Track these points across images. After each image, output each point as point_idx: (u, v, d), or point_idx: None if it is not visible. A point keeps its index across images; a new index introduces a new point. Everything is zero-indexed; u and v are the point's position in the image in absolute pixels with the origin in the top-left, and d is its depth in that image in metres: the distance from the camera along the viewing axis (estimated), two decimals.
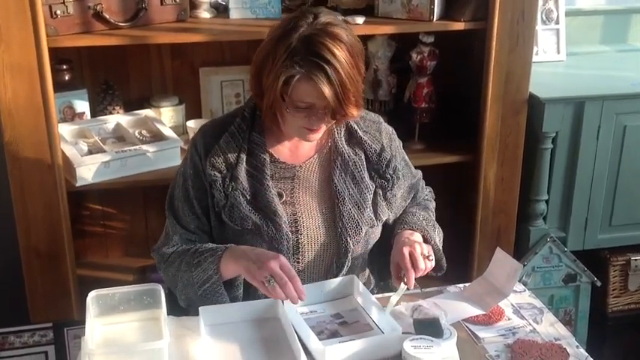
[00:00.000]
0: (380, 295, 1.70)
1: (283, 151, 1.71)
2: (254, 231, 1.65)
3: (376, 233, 1.77)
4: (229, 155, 1.66)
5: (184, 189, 1.70)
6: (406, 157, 1.86)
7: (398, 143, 1.82)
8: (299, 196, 1.70)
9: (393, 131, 1.83)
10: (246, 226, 1.65)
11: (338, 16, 1.64)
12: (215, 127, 1.72)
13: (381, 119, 1.82)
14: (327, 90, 1.51)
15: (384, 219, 1.77)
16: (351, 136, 1.74)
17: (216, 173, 1.65)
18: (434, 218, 1.86)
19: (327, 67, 1.51)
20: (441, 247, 1.79)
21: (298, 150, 1.72)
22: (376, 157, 1.74)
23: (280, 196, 1.68)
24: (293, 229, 1.67)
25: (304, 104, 1.56)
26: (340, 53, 1.52)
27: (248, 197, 1.66)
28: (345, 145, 1.73)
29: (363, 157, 1.74)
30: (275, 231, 1.64)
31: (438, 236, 1.79)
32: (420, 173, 1.91)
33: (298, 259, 1.69)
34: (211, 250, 1.61)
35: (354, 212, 1.69)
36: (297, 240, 1.68)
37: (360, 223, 1.70)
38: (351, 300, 1.65)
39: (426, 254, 1.64)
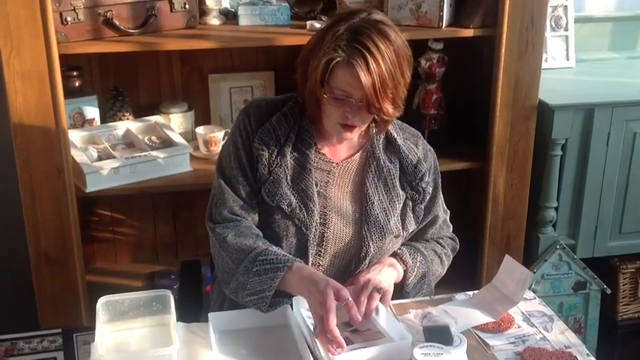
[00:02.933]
0: (396, 302, 1.70)
1: (325, 146, 1.73)
2: (286, 212, 1.66)
3: (400, 244, 1.78)
4: (280, 133, 1.68)
5: (237, 157, 1.70)
6: (439, 183, 1.83)
7: (435, 164, 1.82)
8: (332, 191, 1.72)
9: (431, 150, 1.83)
10: (282, 205, 1.66)
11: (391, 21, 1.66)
12: (268, 104, 1.74)
13: (421, 135, 1.84)
14: (364, 77, 1.53)
15: (410, 230, 1.78)
16: (390, 144, 1.76)
17: (264, 148, 1.67)
18: (437, 261, 1.83)
19: (368, 55, 1.53)
20: (410, 292, 1.76)
21: (338, 149, 1.75)
22: (411, 168, 1.75)
23: (315, 185, 1.70)
24: (322, 220, 1.69)
25: (342, 93, 1.57)
26: (384, 48, 1.55)
27: (288, 178, 1.68)
28: (382, 152, 1.74)
29: (398, 166, 1.75)
30: (306, 216, 1.66)
31: (417, 273, 1.77)
32: (445, 215, 1.88)
33: (320, 251, 1.70)
34: (272, 263, 1.56)
35: (381, 218, 1.71)
36: (323, 233, 1.70)
37: (385, 230, 1.71)
38: None
39: (378, 287, 1.61)
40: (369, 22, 1.58)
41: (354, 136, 1.70)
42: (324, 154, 1.72)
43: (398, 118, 1.71)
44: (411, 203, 1.76)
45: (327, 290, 1.47)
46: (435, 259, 1.83)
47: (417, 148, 1.79)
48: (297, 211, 1.66)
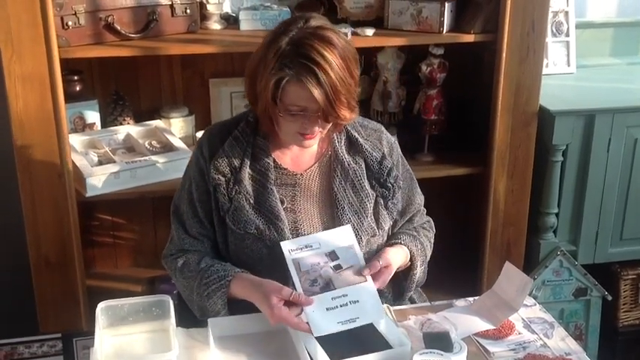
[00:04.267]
0: (396, 308, 1.70)
1: (285, 158, 1.72)
2: (256, 235, 1.65)
3: (379, 242, 1.76)
4: (233, 159, 1.67)
5: (189, 192, 1.72)
6: (411, 171, 1.84)
7: (399, 154, 1.81)
8: (300, 203, 1.70)
9: (395, 141, 1.82)
10: (249, 230, 1.65)
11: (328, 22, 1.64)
12: (221, 129, 1.73)
13: (383, 128, 1.82)
14: (316, 92, 1.51)
15: (386, 228, 1.76)
16: (352, 145, 1.74)
17: (220, 177, 1.66)
18: (429, 246, 1.84)
19: (316, 68, 1.51)
20: (415, 280, 1.77)
21: (299, 158, 1.73)
22: (377, 165, 1.73)
23: (282, 202, 1.68)
24: (294, 235, 1.67)
25: (296, 108, 1.56)
26: (330, 55, 1.52)
27: (251, 201, 1.66)
28: (346, 154, 1.73)
29: (363, 165, 1.73)
30: (277, 236, 1.64)
31: (421, 268, 1.78)
32: (423, 199, 1.89)
33: None
34: (217, 282, 1.60)
35: (353, 221, 1.69)
36: None
37: (360, 232, 1.69)
38: (347, 231, 1.64)
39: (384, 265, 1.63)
40: (309, 30, 1.55)
41: (315, 142, 1.68)
42: (285, 169, 1.70)
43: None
44: (382, 200, 1.73)
45: (269, 297, 1.49)
46: (428, 245, 1.83)
47: (380, 143, 1.76)
48: (267, 233, 1.65)
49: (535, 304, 1.75)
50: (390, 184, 1.73)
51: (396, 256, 1.69)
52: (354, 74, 1.59)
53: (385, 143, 1.77)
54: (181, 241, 1.71)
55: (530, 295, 1.73)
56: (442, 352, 1.42)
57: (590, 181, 2.51)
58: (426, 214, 1.90)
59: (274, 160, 1.70)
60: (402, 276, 1.76)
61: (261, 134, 1.70)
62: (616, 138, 2.48)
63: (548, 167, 2.49)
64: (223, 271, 1.61)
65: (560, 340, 1.62)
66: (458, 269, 2.53)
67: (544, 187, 2.51)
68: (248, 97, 1.66)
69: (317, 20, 1.59)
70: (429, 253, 1.83)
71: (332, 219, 1.70)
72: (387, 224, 1.75)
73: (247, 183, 1.67)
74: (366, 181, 1.73)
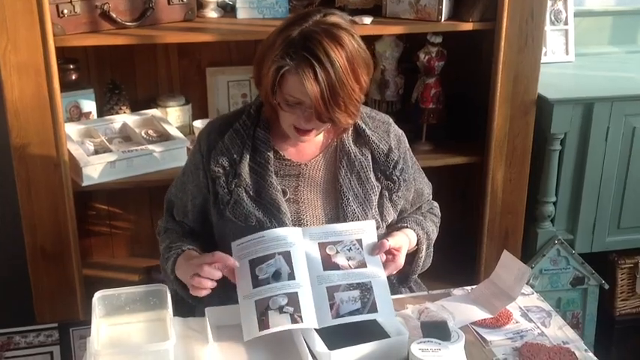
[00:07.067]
0: (394, 297, 1.69)
1: (289, 148, 1.71)
2: (257, 227, 1.64)
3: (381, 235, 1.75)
4: (233, 152, 1.67)
5: (182, 182, 1.75)
6: (417, 163, 1.84)
7: (407, 146, 1.80)
8: (303, 194, 1.69)
9: (403, 134, 1.81)
10: (250, 223, 1.64)
11: (348, 21, 1.61)
12: (222, 123, 1.73)
13: (391, 120, 1.80)
14: (310, 87, 1.49)
15: (390, 220, 1.76)
16: (359, 136, 1.73)
17: (220, 170, 1.66)
18: (435, 230, 1.85)
19: (316, 64, 1.49)
20: (421, 264, 1.78)
21: (304, 148, 1.71)
22: (383, 157, 1.72)
23: (284, 193, 1.68)
24: (296, 226, 1.66)
25: (293, 99, 1.55)
26: (335, 56, 1.50)
27: (251, 193, 1.66)
28: (352, 145, 1.71)
29: (369, 157, 1.72)
30: (278, 227, 1.63)
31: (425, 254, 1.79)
32: (431, 187, 1.89)
33: None
34: (174, 254, 1.65)
35: (357, 212, 1.68)
36: None
37: None
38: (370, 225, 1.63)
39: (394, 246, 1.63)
40: (322, 26, 1.52)
41: (311, 139, 1.67)
42: (288, 160, 1.69)
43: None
44: (387, 193, 1.72)
45: (205, 258, 1.55)
46: (435, 229, 1.84)
47: (388, 136, 1.75)
48: (268, 224, 1.63)
49: (532, 293, 1.75)
50: (395, 177, 1.72)
51: (404, 239, 1.69)
52: (362, 80, 1.56)
53: (393, 136, 1.76)
54: (166, 223, 1.79)
55: (527, 283, 1.73)
56: (440, 341, 1.43)
57: (588, 170, 2.51)
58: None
59: (277, 152, 1.69)
60: (408, 259, 1.74)
61: (262, 126, 1.69)
62: (614, 126, 2.47)
63: (547, 156, 2.48)
64: (181, 245, 1.67)
65: (558, 328, 1.62)
66: (456, 258, 2.53)
67: (542, 176, 2.51)
68: (255, 79, 1.65)
69: (335, 17, 1.56)
70: (433, 236, 1.83)
71: (336, 210, 1.69)
72: (390, 217, 1.74)
73: (247, 175, 1.66)
74: (372, 172, 1.71)
